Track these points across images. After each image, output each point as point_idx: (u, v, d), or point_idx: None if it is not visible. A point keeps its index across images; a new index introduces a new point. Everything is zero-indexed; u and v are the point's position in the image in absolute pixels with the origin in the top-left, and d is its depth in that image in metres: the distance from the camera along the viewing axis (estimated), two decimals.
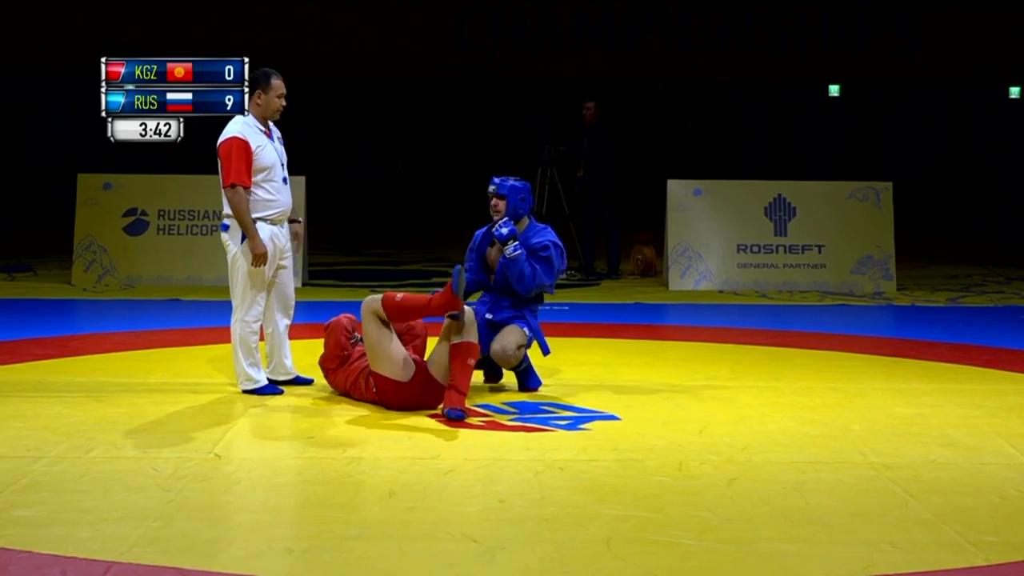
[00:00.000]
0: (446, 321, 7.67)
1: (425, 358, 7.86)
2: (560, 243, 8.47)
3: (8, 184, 23.08)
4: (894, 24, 22.25)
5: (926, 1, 22.18)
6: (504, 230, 8.29)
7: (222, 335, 10.46)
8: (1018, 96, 23.38)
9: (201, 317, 11.87)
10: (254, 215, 8.09)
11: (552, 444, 6.96)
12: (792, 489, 6.12)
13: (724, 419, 7.63)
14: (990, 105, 24.00)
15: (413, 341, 8.05)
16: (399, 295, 7.76)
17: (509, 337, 8.23)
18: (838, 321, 12.25)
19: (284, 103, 8.27)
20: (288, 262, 8.43)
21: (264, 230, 8.12)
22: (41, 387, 8.29)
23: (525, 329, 8.33)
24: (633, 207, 16.51)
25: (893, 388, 8.61)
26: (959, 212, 23.40)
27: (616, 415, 7.72)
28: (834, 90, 23.35)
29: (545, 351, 8.48)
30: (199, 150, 23.40)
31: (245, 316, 8.17)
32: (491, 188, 8.44)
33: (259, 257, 8.04)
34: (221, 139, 8.10)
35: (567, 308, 12.79)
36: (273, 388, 8.21)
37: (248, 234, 8.04)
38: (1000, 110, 23.85)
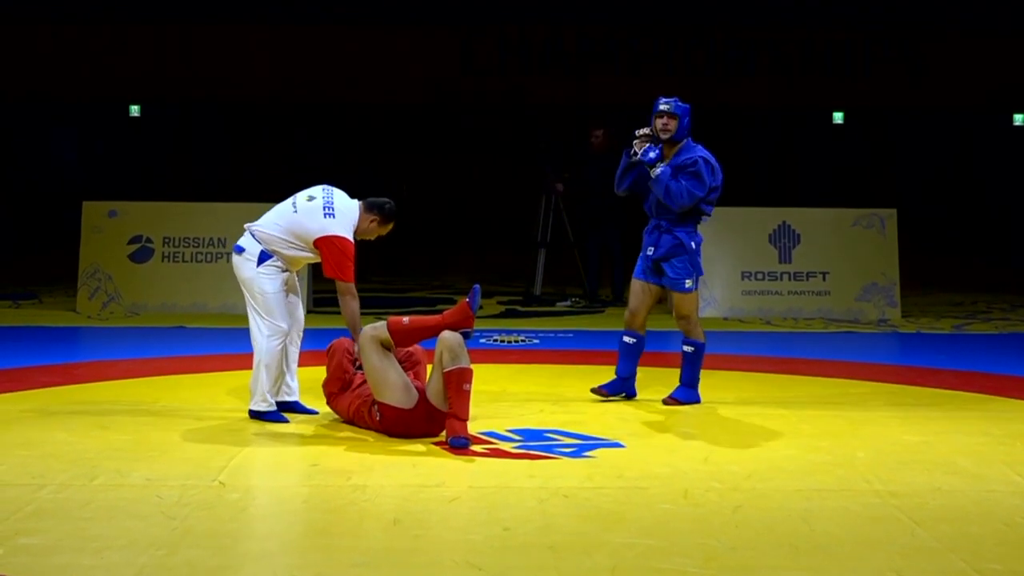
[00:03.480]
0: (438, 348, 7.64)
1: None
2: (711, 158, 8.96)
3: (13, 209, 23.11)
4: (899, 51, 22.28)
5: (931, 29, 22.21)
6: (652, 154, 8.89)
7: (227, 362, 10.49)
8: (1022, 124, 23.40)
9: (206, 344, 11.89)
10: (276, 254, 8.14)
11: (556, 472, 6.95)
12: (797, 517, 6.11)
13: (729, 446, 7.63)
14: (995, 132, 24.01)
15: (414, 367, 8.04)
16: (405, 319, 7.77)
17: (678, 310, 9.07)
18: (843, 348, 12.25)
19: (372, 239, 8.41)
20: (296, 285, 8.45)
21: (276, 266, 8.17)
22: (46, 415, 8.29)
23: (687, 284, 8.96)
24: (638, 233, 16.47)
25: (898, 415, 8.60)
26: (964, 239, 23.39)
27: (621, 443, 7.71)
28: (838, 117, 23.38)
29: (700, 271, 9.13)
30: (200, 178, 23.40)
31: (272, 335, 8.12)
32: (663, 107, 9.01)
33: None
34: (339, 232, 8.07)
35: (572, 335, 12.80)
36: (279, 416, 8.20)
37: (354, 331, 8.06)
38: (1005, 137, 23.87)
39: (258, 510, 6.20)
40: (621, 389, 9.22)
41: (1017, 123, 23.39)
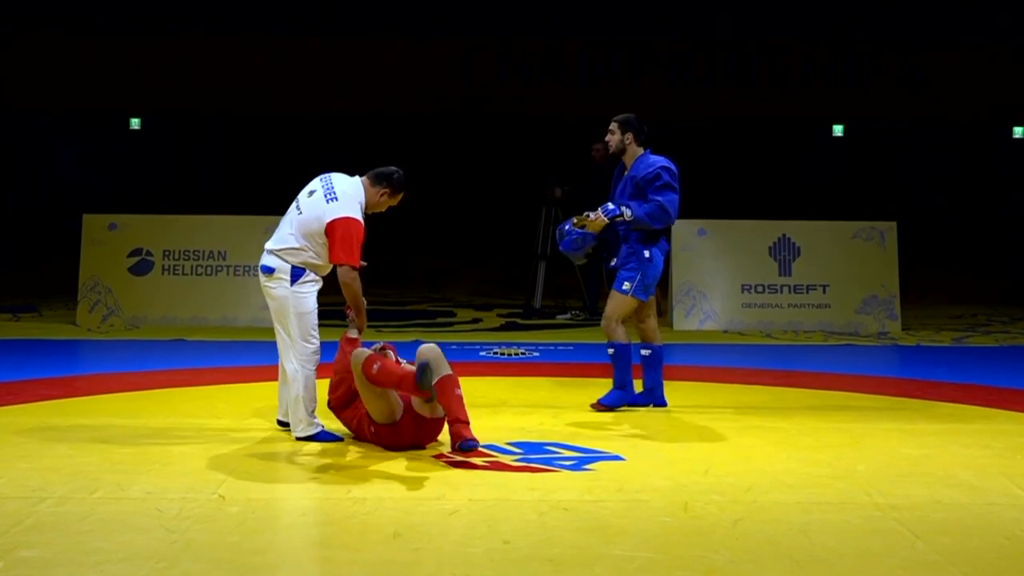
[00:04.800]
0: (417, 361, 7.54)
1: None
2: (669, 164, 9.07)
3: (14, 222, 23.14)
4: (899, 64, 22.30)
5: (931, 41, 22.24)
6: (610, 205, 9.05)
7: (227, 375, 10.49)
8: (1022, 136, 23.41)
9: (206, 357, 11.88)
10: (313, 270, 7.95)
11: (557, 484, 6.94)
12: (798, 530, 6.10)
13: (729, 459, 7.62)
14: (995, 144, 24.04)
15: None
16: (376, 365, 7.50)
17: (606, 309, 9.15)
18: (843, 361, 12.25)
19: (383, 212, 8.26)
20: None
21: (313, 285, 8.01)
22: (46, 428, 8.29)
23: (625, 286, 9.03)
24: None
25: (898, 428, 8.60)
26: (964, 252, 23.41)
27: (621, 455, 7.70)
28: (838, 130, 23.41)
29: (651, 278, 9.12)
30: (200, 191, 23.36)
31: (307, 361, 7.92)
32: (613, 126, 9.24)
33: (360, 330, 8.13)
34: (345, 213, 7.85)
35: (572, 348, 12.79)
36: (329, 435, 8.00)
37: (360, 315, 8.04)
38: (1006, 149, 23.89)
39: (258, 523, 6.19)
40: (648, 400, 9.33)
41: (1017, 136, 23.41)
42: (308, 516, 6.42)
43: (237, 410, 8.96)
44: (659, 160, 9.08)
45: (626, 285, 9.05)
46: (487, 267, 20.63)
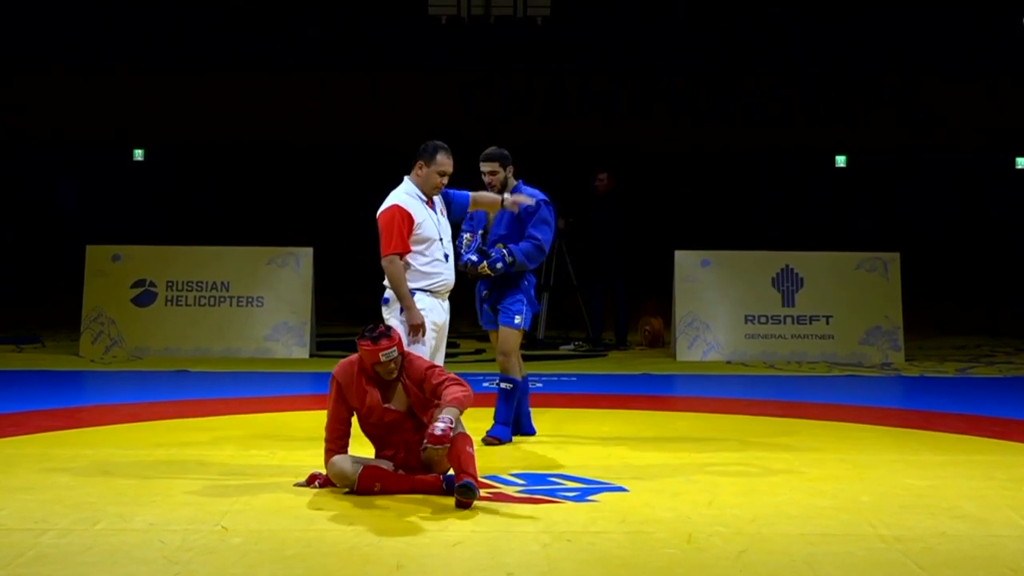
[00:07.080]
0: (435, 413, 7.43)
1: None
2: (547, 198, 9.12)
3: (17, 254, 23.15)
4: (900, 95, 22.35)
5: (931, 73, 22.30)
6: (493, 254, 8.98)
7: (231, 407, 10.48)
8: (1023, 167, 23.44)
9: (209, 389, 11.87)
10: (413, 285, 7.94)
11: (560, 516, 6.93)
12: (802, 562, 6.08)
13: (733, 491, 7.60)
14: (997, 174, 24.06)
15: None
16: (377, 486, 7.33)
17: (502, 345, 9.09)
18: (846, 392, 12.23)
19: (444, 181, 8.13)
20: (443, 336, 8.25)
21: (424, 300, 7.99)
22: (48, 459, 8.28)
23: (517, 320, 9.04)
24: (641, 278, 16.54)
25: (902, 459, 8.58)
26: (967, 282, 23.39)
27: (624, 487, 7.69)
28: (840, 161, 23.44)
29: (535, 308, 9.26)
30: (204, 222, 23.38)
31: None
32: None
33: (416, 328, 7.83)
34: (381, 209, 8.00)
35: (575, 379, 12.78)
36: None
37: (405, 304, 7.87)
38: (1007, 179, 23.92)
39: (261, 555, 6.18)
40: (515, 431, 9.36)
41: (1019, 166, 23.44)
42: (311, 547, 6.39)
43: (240, 442, 8.94)
44: (537, 193, 9.11)
45: (518, 319, 9.08)
46: None
